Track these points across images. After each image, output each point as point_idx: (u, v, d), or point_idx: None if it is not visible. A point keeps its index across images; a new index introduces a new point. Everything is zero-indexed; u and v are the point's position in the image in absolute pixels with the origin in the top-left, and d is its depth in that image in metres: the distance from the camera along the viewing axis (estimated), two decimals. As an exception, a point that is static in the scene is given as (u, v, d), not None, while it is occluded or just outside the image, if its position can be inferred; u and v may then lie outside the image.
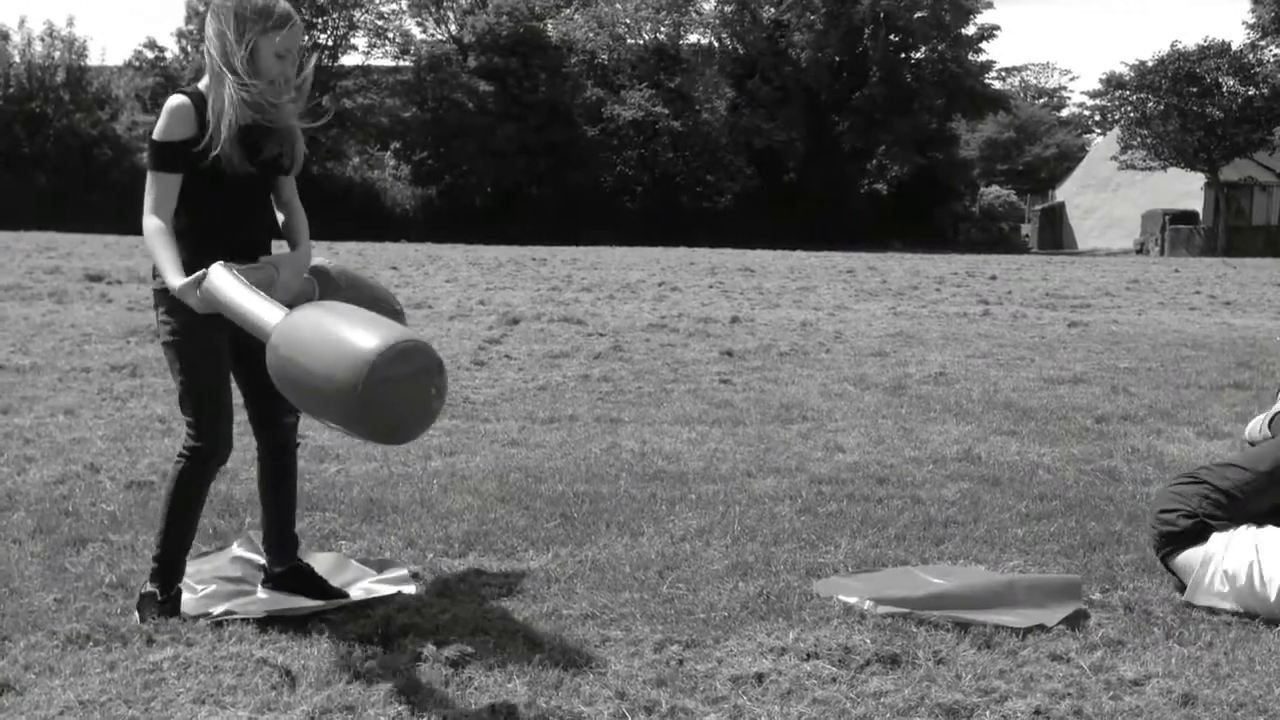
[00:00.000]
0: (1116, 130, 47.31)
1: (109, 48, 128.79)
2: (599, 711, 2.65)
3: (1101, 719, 2.66)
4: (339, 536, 3.98)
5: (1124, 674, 2.86)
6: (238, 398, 3.27)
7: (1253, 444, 4.12)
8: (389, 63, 46.76)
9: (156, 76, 42.79)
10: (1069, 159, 63.73)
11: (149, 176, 3.06)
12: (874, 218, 47.02)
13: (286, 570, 3.39)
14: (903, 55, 49.82)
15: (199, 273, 2.90)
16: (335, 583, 3.42)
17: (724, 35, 50.43)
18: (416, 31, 47.84)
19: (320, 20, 44.02)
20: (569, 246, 32.37)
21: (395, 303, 3.48)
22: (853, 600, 3.31)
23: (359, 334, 2.60)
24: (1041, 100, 78.24)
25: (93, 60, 43.29)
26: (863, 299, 14.92)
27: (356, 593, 3.40)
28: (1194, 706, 2.70)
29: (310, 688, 2.73)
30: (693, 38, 50.19)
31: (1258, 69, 42.36)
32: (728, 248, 32.86)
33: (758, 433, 5.86)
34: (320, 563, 3.56)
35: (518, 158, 43.46)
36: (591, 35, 47.52)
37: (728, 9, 49.35)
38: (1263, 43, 42.72)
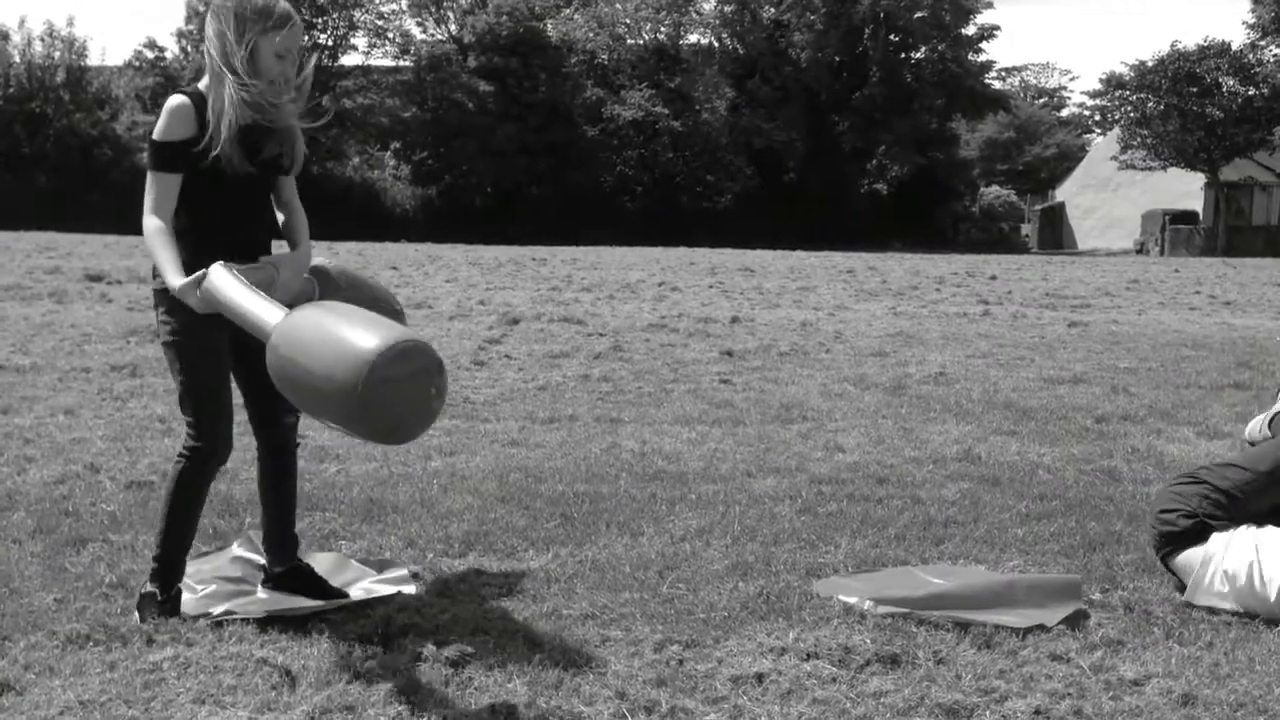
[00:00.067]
0: (1116, 130, 47.32)
1: (109, 48, 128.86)
2: (599, 711, 2.65)
3: (1101, 719, 2.66)
4: (339, 536, 3.98)
5: (1124, 674, 2.86)
6: (238, 398, 3.27)
7: (1253, 444, 4.11)
8: (389, 63, 46.79)
9: (156, 76, 42.80)
10: (1069, 159, 63.74)
11: (149, 176, 3.06)
12: (874, 218, 47.02)
13: (287, 570, 3.39)
14: (903, 55, 49.83)
15: (199, 273, 2.90)
16: (335, 583, 3.42)
17: (724, 35, 50.44)
18: (416, 31, 47.91)
19: (320, 20, 44.02)
20: (569, 246, 32.38)
21: (395, 302, 3.48)
22: (853, 600, 3.31)
23: (359, 334, 2.60)
24: (1041, 100, 78.24)
25: (93, 60, 43.34)
26: (863, 299, 14.92)
27: (356, 593, 3.40)
28: (1194, 706, 2.70)
29: (310, 688, 2.74)
30: (693, 38, 50.22)
31: (1258, 69, 42.36)
32: (728, 248, 32.87)
33: (758, 433, 5.86)
34: (320, 563, 3.56)
35: (518, 158, 43.47)
36: (591, 35, 47.52)
37: (728, 9, 49.36)
38: (1263, 43, 42.73)
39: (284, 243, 3.33)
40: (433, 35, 48.21)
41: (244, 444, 3.50)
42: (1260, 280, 21.08)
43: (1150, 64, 42.88)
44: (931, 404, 6.76)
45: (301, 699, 2.68)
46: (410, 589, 3.44)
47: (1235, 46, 42.62)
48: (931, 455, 5.36)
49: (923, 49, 49.76)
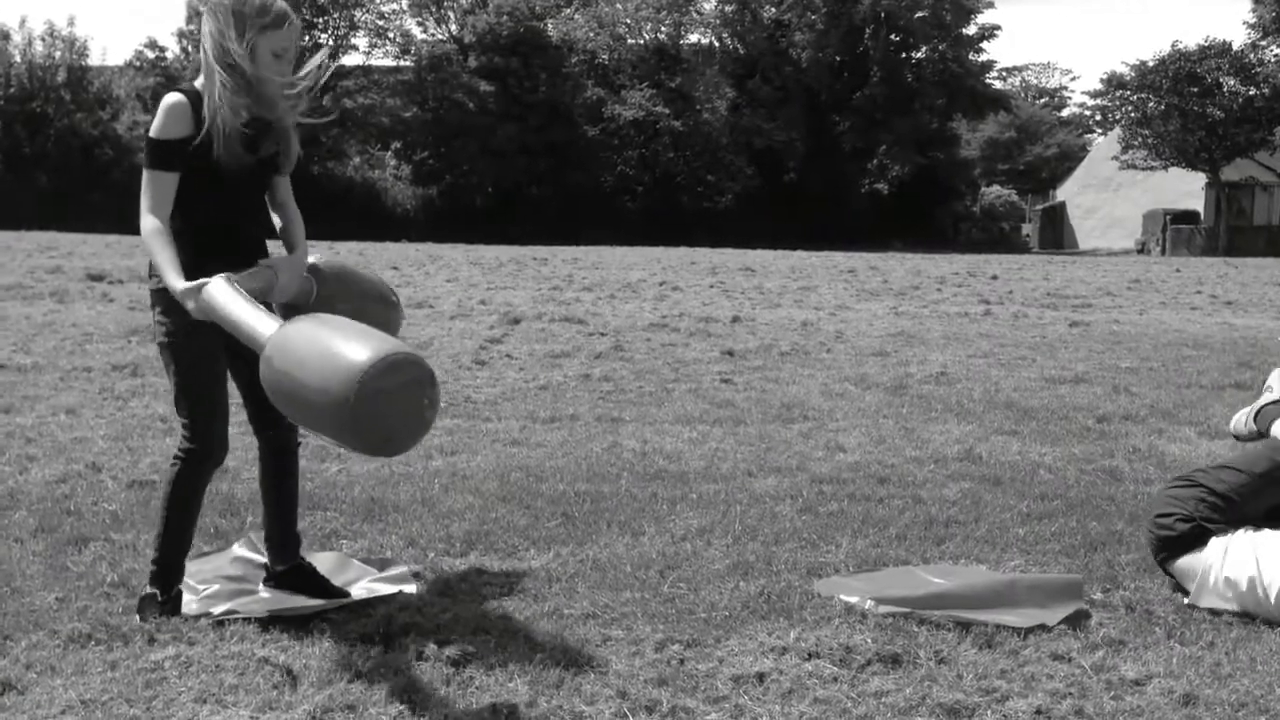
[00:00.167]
0: (1117, 130, 47.31)
1: (110, 48, 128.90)
2: (600, 711, 2.65)
3: (1103, 719, 2.66)
4: (340, 536, 3.98)
5: (1125, 674, 2.86)
6: (235, 398, 3.27)
7: (1237, 437, 4.14)
8: (390, 63, 46.79)
9: (157, 76, 42.78)
10: (1070, 159, 63.73)
11: (146, 175, 3.04)
12: (875, 217, 47.01)
13: (288, 569, 3.40)
14: (903, 55, 49.82)
15: (200, 281, 2.90)
16: (337, 582, 3.42)
17: (725, 35, 50.44)
18: (417, 31, 47.91)
19: (321, 20, 44.04)
20: (570, 246, 32.37)
21: (390, 293, 3.50)
22: (854, 600, 3.31)
23: (351, 346, 2.60)
24: (1042, 100, 78.23)
25: (93, 60, 43.34)
26: (864, 299, 14.92)
27: (358, 592, 3.40)
28: (1195, 706, 2.70)
29: (312, 687, 2.74)
30: (693, 37, 50.22)
31: (1258, 69, 42.35)
32: (728, 247, 32.86)
33: (759, 432, 5.86)
34: (321, 562, 3.56)
35: (518, 158, 43.47)
36: (592, 35, 47.53)
37: (728, 9, 49.35)
38: (1263, 43, 42.72)
39: (279, 242, 3.34)
40: (433, 35, 48.24)
41: (246, 444, 3.51)
42: (1261, 280, 21.08)
43: (1151, 64, 42.89)
44: (933, 404, 6.76)
45: (303, 698, 2.68)
46: (411, 588, 3.44)
47: (1236, 46, 42.64)
48: (933, 455, 5.36)
49: (923, 49, 49.75)
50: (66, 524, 4.00)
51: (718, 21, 49.90)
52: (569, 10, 48.59)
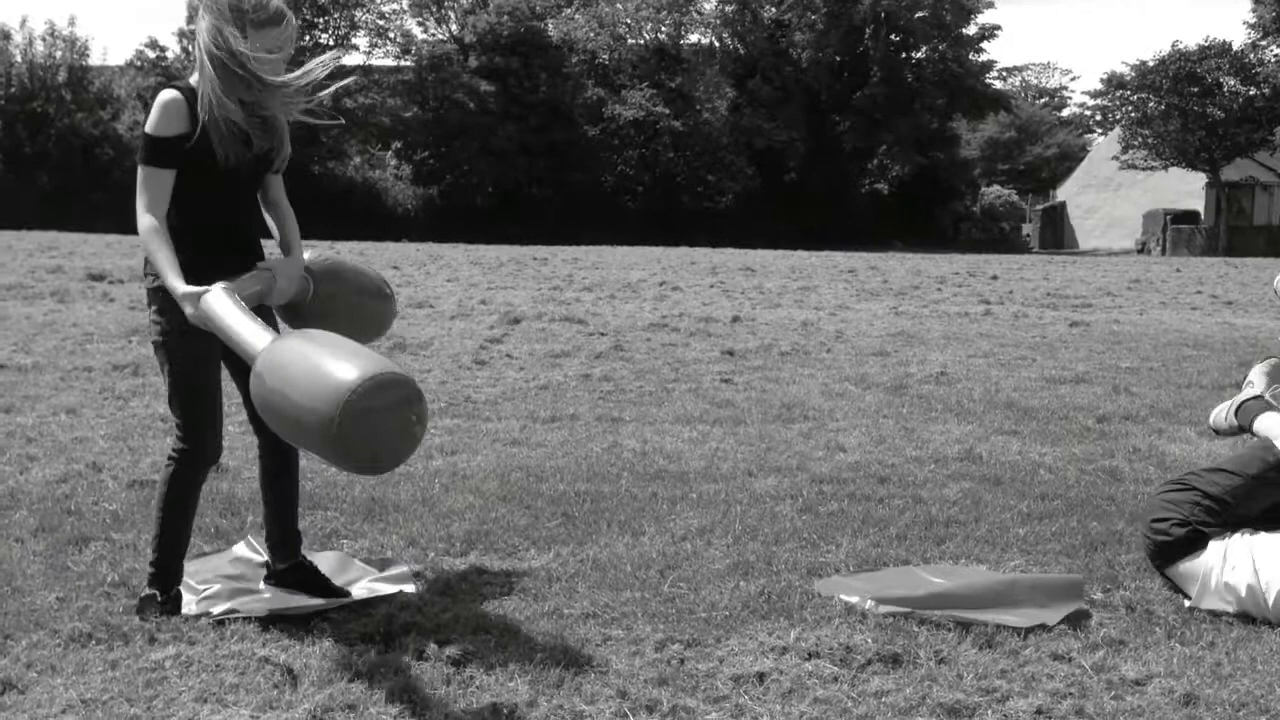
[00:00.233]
0: (1117, 130, 47.30)
1: (110, 47, 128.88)
2: (600, 710, 2.65)
3: (1103, 719, 2.66)
4: (341, 535, 3.98)
5: (1126, 674, 2.86)
6: (235, 397, 3.27)
7: (1217, 431, 4.14)
8: (390, 62, 46.76)
9: (158, 76, 42.74)
10: (1070, 159, 63.71)
11: (141, 171, 3.03)
12: (875, 217, 47.02)
13: (289, 567, 3.40)
14: (904, 55, 49.82)
15: (201, 289, 2.90)
16: (338, 582, 3.42)
17: (725, 35, 50.43)
18: (417, 31, 47.90)
19: (321, 20, 44.03)
20: (570, 246, 32.37)
21: (385, 286, 3.51)
22: (854, 600, 3.31)
23: (338, 366, 2.60)
24: (1042, 100, 78.21)
25: (94, 60, 43.30)
26: (864, 299, 14.91)
27: (358, 591, 3.40)
28: (1196, 706, 2.70)
29: (312, 686, 2.74)
30: (693, 37, 50.21)
31: (1259, 69, 42.33)
32: (729, 247, 32.86)
33: (759, 432, 5.86)
34: (322, 562, 3.56)
35: (519, 157, 43.47)
36: (592, 35, 47.52)
37: (728, 9, 49.35)
38: (1263, 42, 42.70)
39: (273, 240, 3.34)
40: (434, 35, 48.22)
41: (246, 443, 3.51)
42: (1262, 280, 21.07)
43: (1151, 64, 42.87)
44: (933, 404, 6.76)
45: (303, 697, 2.68)
46: (411, 588, 3.44)
47: (1236, 46, 42.62)
48: (933, 455, 5.36)
49: (924, 49, 49.75)
50: (67, 524, 4.00)
51: (718, 21, 49.90)
52: (569, 10, 48.59)
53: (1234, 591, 3.28)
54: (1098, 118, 64.41)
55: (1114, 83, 45.41)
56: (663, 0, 47.84)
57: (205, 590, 3.35)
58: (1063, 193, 55.43)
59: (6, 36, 40.95)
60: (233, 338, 2.85)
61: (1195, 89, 41.82)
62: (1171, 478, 3.75)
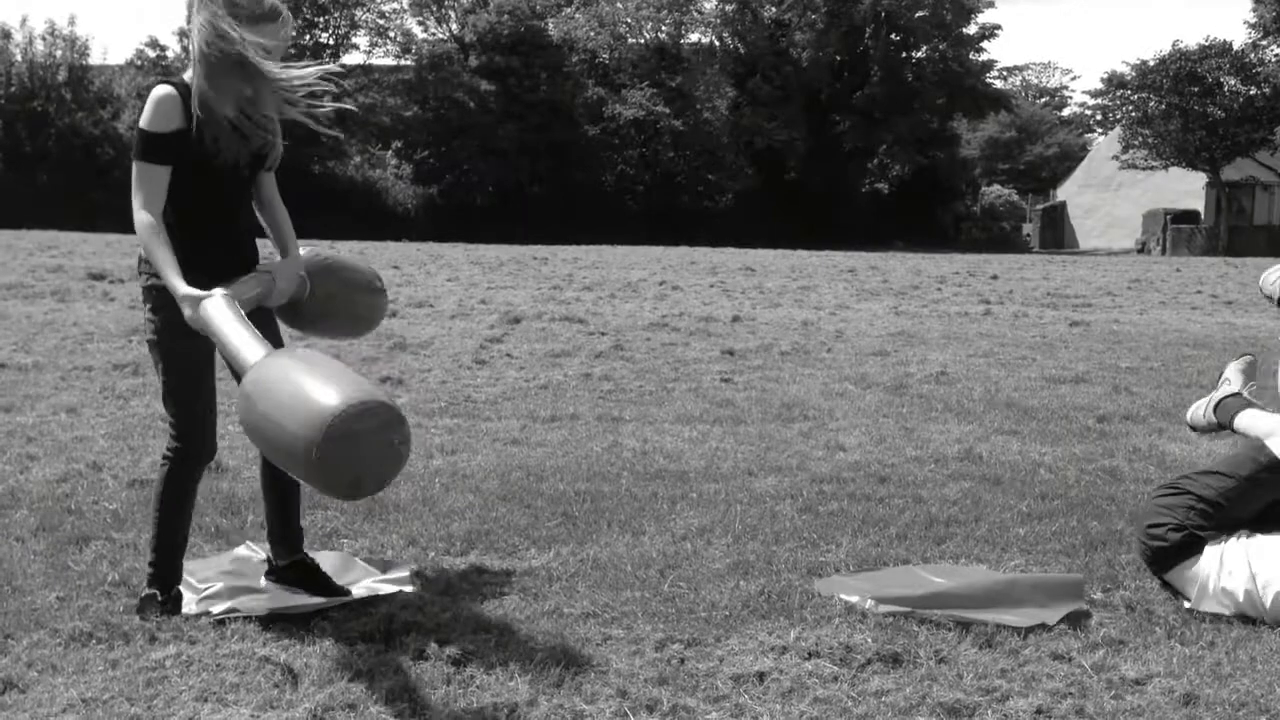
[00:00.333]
0: (1118, 130, 47.28)
1: (110, 47, 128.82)
2: (600, 710, 2.65)
3: (1103, 718, 2.66)
4: (341, 535, 3.98)
5: (1126, 673, 2.86)
6: (229, 397, 3.27)
7: (1194, 429, 4.16)
8: (390, 62, 46.75)
9: (158, 75, 42.73)
10: (1070, 158, 63.69)
11: (136, 167, 3.02)
12: (875, 217, 46.99)
13: (291, 564, 3.39)
14: (904, 54, 49.80)
15: (202, 293, 2.90)
16: (339, 582, 3.42)
17: (725, 34, 50.42)
18: (418, 31, 47.87)
19: (322, 19, 44.02)
20: (570, 246, 32.37)
21: (375, 279, 3.51)
22: (854, 599, 3.31)
23: (321, 391, 2.57)
24: (1043, 100, 78.19)
25: (94, 59, 43.26)
26: (864, 298, 14.91)
27: (359, 591, 3.40)
28: (1196, 706, 2.70)
29: (313, 686, 2.74)
30: (694, 37, 50.19)
31: (1259, 69, 42.32)
32: (729, 247, 32.84)
33: (759, 432, 5.86)
34: (323, 561, 3.56)
35: (519, 157, 43.45)
36: (593, 34, 47.50)
37: (729, 8, 49.34)
38: (1264, 42, 42.68)
39: (268, 240, 3.33)
40: (434, 34, 48.20)
41: (247, 443, 3.52)
42: (1262, 280, 21.02)
43: (1152, 63, 42.85)
44: (933, 403, 6.76)
45: (304, 697, 2.68)
46: (410, 588, 3.44)
47: (1236, 46, 42.59)
48: (933, 454, 5.36)
49: (924, 48, 49.73)
50: (67, 523, 4.00)
51: (718, 21, 49.89)
52: (570, 9, 48.57)
53: (1231, 596, 3.28)
54: (1098, 117, 64.42)
55: (1114, 82, 45.40)
56: (663, 0, 47.83)
57: (205, 590, 3.35)
58: (1063, 192, 55.41)
59: (7, 36, 40.93)
60: (227, 347, 2.85)
61: (1196, 89, 41.80)
62: (1164, 482, 3.75)
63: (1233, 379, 4.14)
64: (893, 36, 48.96)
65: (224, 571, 3.54)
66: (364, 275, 3.53)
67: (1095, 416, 6.41)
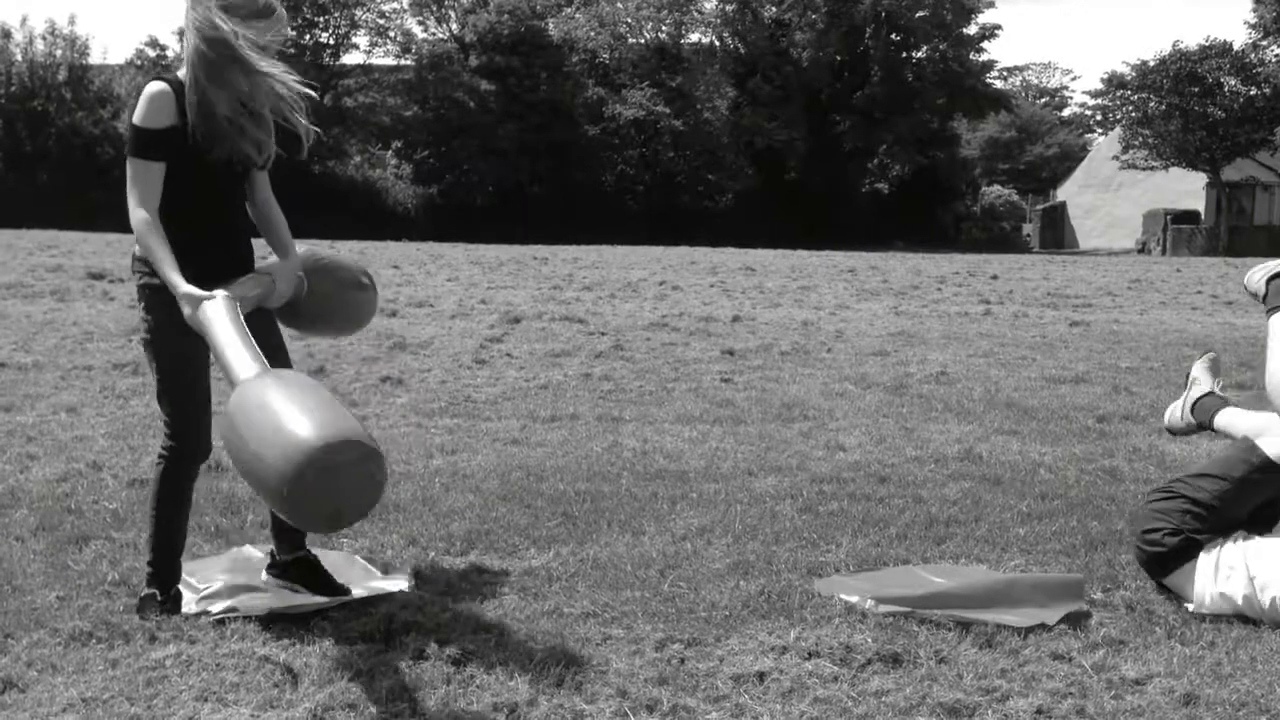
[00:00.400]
0: (1118, 130, 47.28)
1: (111, 46, 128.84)
2: (600, 709, 2.65)
3: (1103, 718, 2.66)
4: (341, 534, 3.98)
5: (1126, 673, 2.86)
6: (225, 395, 3.27)
7: (1173, 432, 4.18)
8: (390, 61, 46.76)
9: (154, 72, 42.69)
10: (1070, 159, 63.69)
11: (131, 164, 3.01)
12: (875, 217, 46.99)
13: (293, 560, 3.38)
14: (904, 55, 49.80)
15: (205, 294, 2.90)
16: (338, 580, 3.41)
17: (725, 34, 50.41)
18: (418, 30, 47.86)
19: (322, 19, 44.01)
20: (570, 245, 32.36)
21: (364, 276, 3.52)
22: (854, 599, 3.31)
23: (299, 423, 2.54)
24: (1043, 100, 78.20)
25: (94, 59, 43.25)
26: (864, 298, 14.91)
27: (358, 591, 3.40)
28: (1196, 706, 2.70)
29: (313, 685, 2.74)
30: (694, 37, 50.18)
31: (1259, 69, 42.32)
32: (729, 247, 32.83)
33: (759, 432, 5.86)
34: (324, 560, 3.56)
35: (519, 157, 43.44)
36: (593, 34, 47.49)
37: (729, 8, 49.34)
38: (1264, 43, 42.68)
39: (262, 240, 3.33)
40: (434, 34, 48.20)
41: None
42: (1262, 280, 21.02)
43: (1152, 64, 42.84)
44: (933, 403, 6.76)
45: (304, 696, 2.68)
46: (408, 587, 3.44)
47: (1237, 46, 42.58)
48: (933, 454, 5.36)
49: (924, 48, 49.73)
50: (67, 522, 4.00)
51: (718, 21, 49.88)
52: (570, 9, 48.57)
53: (1230, 601, 3.27)
54: (1098, 117, 64.43)
55: (1114, 82, 45.39)
56: (663, 0, 47.83)
57: (205, 589, 3.35)
58: (1063, 192, 55.41)
59: (7, 35, 40.92)
60: (220, 356, 2.84)
61: (1196, 89, 41.80)
62: (1156, 486, 3.74)
63: (1201, 378, 4.16)
64: (893, 36, 48.96)
65: (224, 571, 3.54)
66: (353, 272, 3.53)
67: (1095, 416, 6.41)
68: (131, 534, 3.87)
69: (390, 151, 46.44)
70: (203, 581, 3.40)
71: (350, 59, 45.88)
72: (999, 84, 59.56)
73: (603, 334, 9.89)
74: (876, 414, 6.40)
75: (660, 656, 2.93)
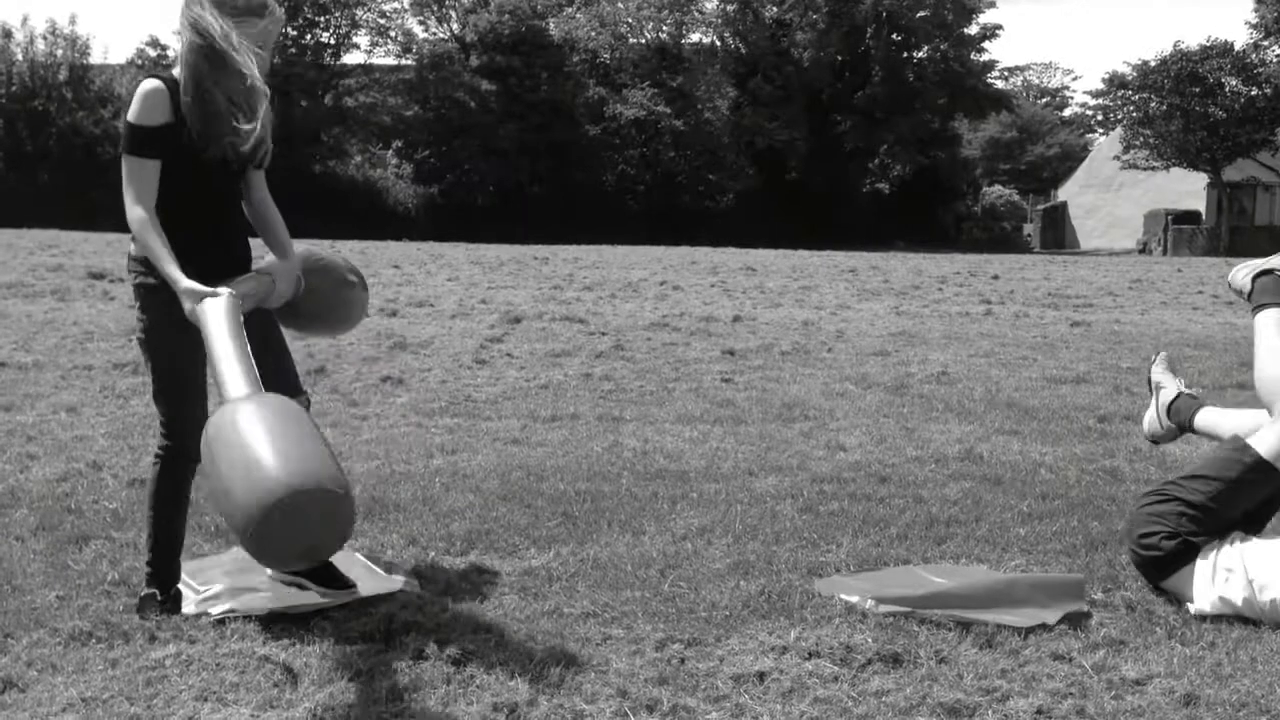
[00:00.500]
0: (1119, 130, 47.29)
1: (111, 46, 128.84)
2: (601, 709, 2.65)
3: (1103, 718, 2.66)
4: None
5: (1126, 674, 2.85)
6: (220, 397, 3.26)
7: (1156, 440, 4.21)
8: (391, 61, 46.77)
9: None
10: (1071, 159, 63.69)
11: (126, 162, 3.00)
12: (876, 217, 47.00)
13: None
14: (905, 55, 49.79)
15: (207, 290, 2.90)
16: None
17: (726, 34, 50.41)
18: (419, 30, 47.88)
19: (323, 19, 44.02)
20: (571, 245, 32.36)
21: (353, 273, 3.51)
22: (854, 599, 3.31)
23: (269, 465, 2.51)
24: (1044, 100, 78.20)
25: (95, 58, 43.28)
26: (865, 298, 14.91)
27: (363, 587, 3.39)
28: (1196, 706, 2.70)
29: (312, 685, 2.74)
30: (695, 37, 50.18)
31: (1260, 69, 42.31)
32: (730, 247, 32.82)
33: (759, 431, 5.86)
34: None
35: (520, 157, 43.45)
36: (594, 34, 47.49)
37: (730, 8, 49.34)
38: (1265, 43, 42.67)
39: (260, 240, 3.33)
40: (435, 34, 48.21)
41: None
42: (1263, 280, 21.02)
43: (1153, 64, 42.85)
44: (933, 403, 6.76)
45: (304, 696, 2.68)
46: (411, 588, 3.43)
47: (1238, 46, 42.58)
48: (933, 454, 5.36)
49: (925, 48, 49.73)
50: (67, 522, 4.00)
51: (719, 21, 49.89)
52: (571, 9, 48.57)
53: (1230, 604, 3.27)
54: (1099, 118, 64.41)
55: (1115, 82, 45.39)
56: (664, 0, 47.83)
57: (205, 590, 3.35)
58: (1064, 193, 55.41)
59: (8, 35, 40.94)
60: (216, 363, 2.82)
61: (1197, 89, 41.80)
62: (1149, 488, 3.73)
63: (1165, 382, 4.17)
64: (894, 36, 48.96)
65: (224, 571, 3.53)
66: (344, 270, 3.52)
67: (1096, 416, 6.40)
68: (131, 534, 3.87)
69: (391, 151, 46.45)
70: (203, 583, 3.40)
71: (351, 59, 45.91)
72: (1000, 84, 59.59)
73: (603, 334, 9.89)
74: (877, 414, 6.40)
75: (660, 656, 2.93)
